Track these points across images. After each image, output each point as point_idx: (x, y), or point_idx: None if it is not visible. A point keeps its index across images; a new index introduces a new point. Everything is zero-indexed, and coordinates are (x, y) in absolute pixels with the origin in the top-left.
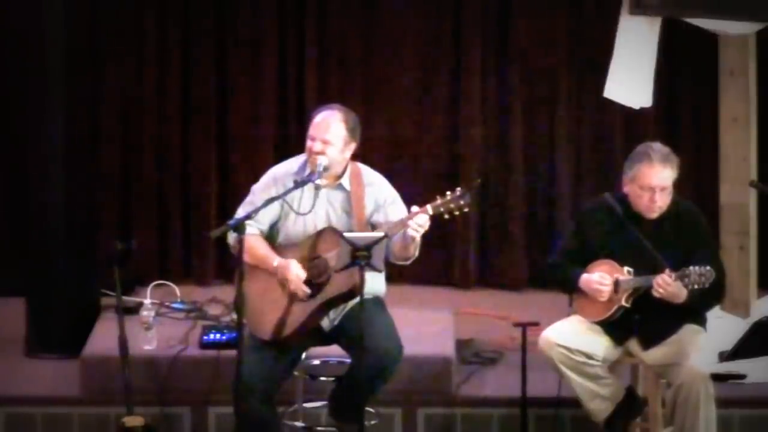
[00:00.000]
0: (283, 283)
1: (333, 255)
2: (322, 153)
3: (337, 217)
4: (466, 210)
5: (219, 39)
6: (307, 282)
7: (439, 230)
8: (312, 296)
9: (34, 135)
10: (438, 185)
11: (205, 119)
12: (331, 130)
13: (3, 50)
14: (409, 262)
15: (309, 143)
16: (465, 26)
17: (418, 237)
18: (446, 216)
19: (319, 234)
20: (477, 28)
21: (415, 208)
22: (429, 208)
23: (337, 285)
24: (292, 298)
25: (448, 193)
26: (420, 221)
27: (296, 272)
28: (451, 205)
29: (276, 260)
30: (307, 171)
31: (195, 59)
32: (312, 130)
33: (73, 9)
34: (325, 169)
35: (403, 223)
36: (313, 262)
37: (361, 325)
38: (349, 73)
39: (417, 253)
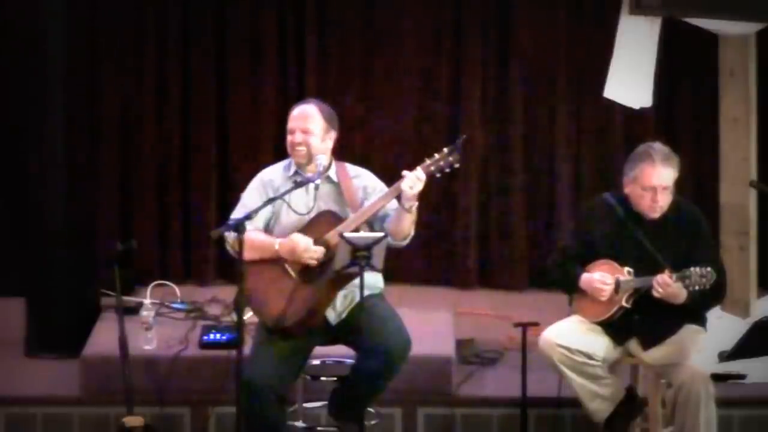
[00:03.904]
0: (290, 263)
1: (333, 233)
2: (303, 144)
3: (330, 208)
4: (456, 166)
5: (219, 39)
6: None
7: (438, 229)
8: (320, 275)
9: (34, 135)
10: (437, 184)
11: (205, 119)
12: (309, 119)
13: (3, 50)
14: (406, 242)
15: (289, 137)
16: (465, 26)
17: (414, 194)
18: (438, 175)
19: (314, 219)
20: (477, 27)
21: (405, 173)
22: (419, 169)
23: (341, 258)
24: (300, 281)
25: (436, 154)
26: (416, 175)
27: (303, 239)
28: (441, 163)
29: (277, 242)
30: (292, 170)
31: (195, 59)
32: (291, 123)
33: (73, 9)
34: (309, 161)
35: (396, 189)
36: (315, 243)
37: (370, 319)
38: (349, 73)
39: (413, 232)
